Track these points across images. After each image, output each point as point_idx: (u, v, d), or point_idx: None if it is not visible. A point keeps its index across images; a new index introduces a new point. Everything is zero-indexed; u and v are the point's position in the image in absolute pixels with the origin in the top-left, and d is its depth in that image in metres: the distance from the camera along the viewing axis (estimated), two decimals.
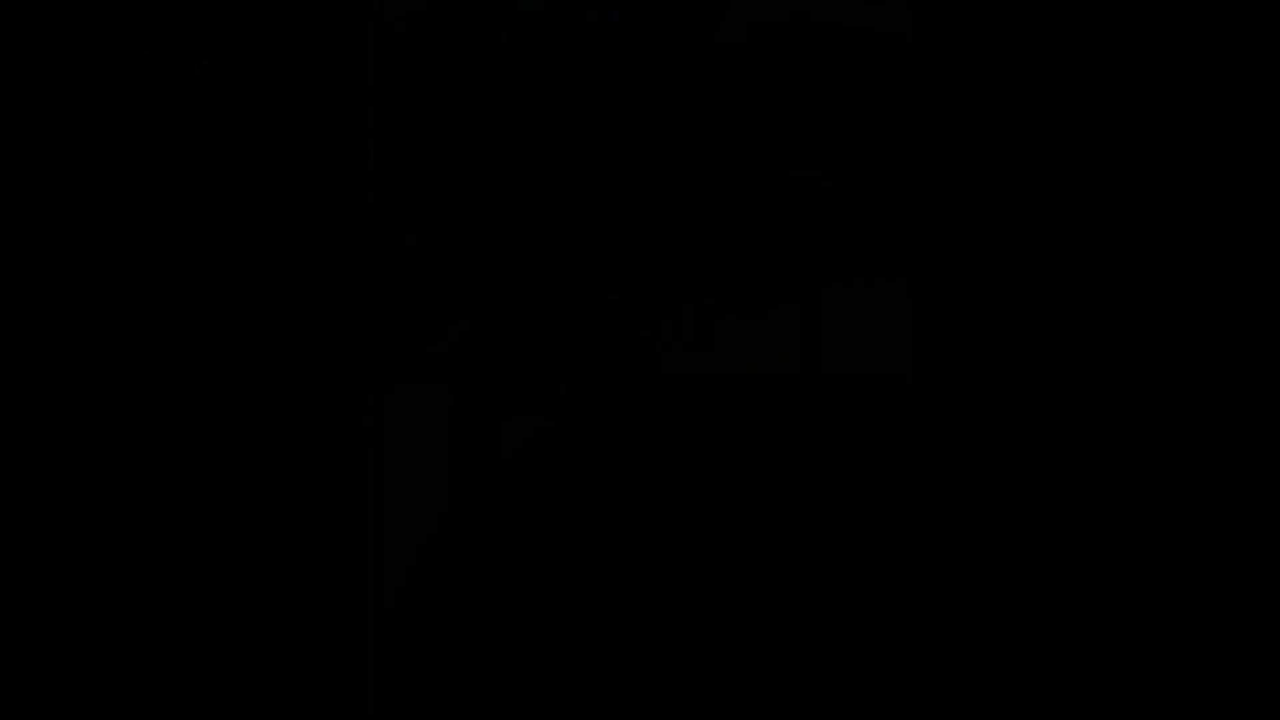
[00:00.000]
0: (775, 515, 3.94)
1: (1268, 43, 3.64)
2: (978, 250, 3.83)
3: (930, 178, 3.89)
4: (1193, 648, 3.60)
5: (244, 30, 3.38)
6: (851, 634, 3.96)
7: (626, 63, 4.09)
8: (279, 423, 3.37)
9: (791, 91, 4.11)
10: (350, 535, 3.53)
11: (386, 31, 3.68)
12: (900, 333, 4.03)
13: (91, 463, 3.25)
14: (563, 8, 4.05)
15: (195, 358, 3.31)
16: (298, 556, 3.42)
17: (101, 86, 3.27)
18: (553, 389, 4.09)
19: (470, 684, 3.98)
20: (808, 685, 3.97)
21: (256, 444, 3.36)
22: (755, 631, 4.02)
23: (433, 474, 3.90)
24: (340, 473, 3.49)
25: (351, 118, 3.49)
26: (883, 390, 4.02)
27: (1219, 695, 3.60)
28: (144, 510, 3.30)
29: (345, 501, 3.52)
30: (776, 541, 4.01)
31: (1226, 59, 3.66)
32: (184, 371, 3.31)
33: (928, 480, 3.89)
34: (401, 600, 3.79)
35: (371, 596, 3.62)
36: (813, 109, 4.11)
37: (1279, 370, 3.59)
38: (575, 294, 4.12)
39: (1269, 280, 3.65)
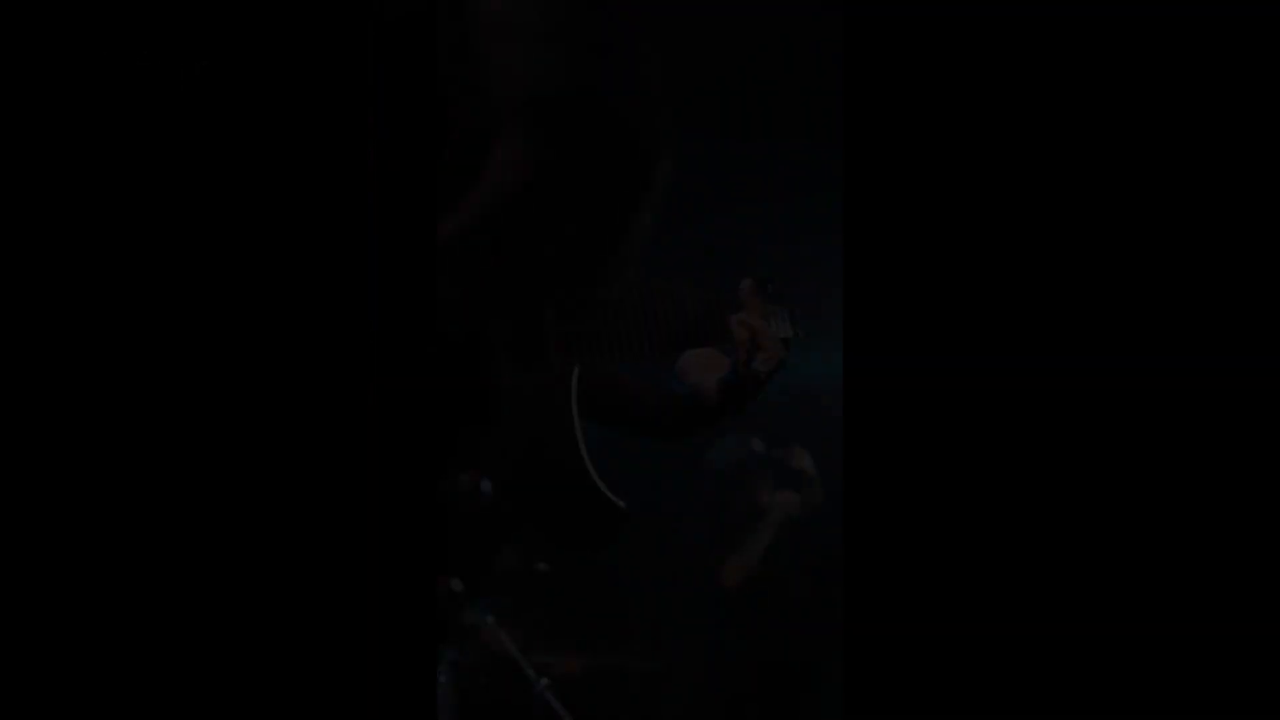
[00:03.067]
0: None
1: (1267, 45, 3.64)
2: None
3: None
4: (1188, 666, 3.56)
5: (244, 30, 3.38)
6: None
7: None
8: (278, 423, 3.37)
9: None
10: (350, 535, 3.53)
11: (387, 32, 3.67)
12: None
13: (89, 462, 3.25)
14: None
15: (193, 358, 3.31)
16: (297, 556, 3.43)
17: (101, 86, 3.27)
18: None
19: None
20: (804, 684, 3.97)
21: (255, 444, 3.36)
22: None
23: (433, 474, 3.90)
24: (340, 473, 3.49)
25: (351, 118, 3.49)
26: None
27: (1215, 713, 3.57)
28: (142, 510, 3.30)
29: (345, 501, 3.53)
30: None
31: (1225, 61, 3.66)
32: (182, 372, 3.31)
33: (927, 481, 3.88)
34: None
35: (371, 596, 3.63)
36: None
37: (1277, 378, 3.58)
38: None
39: (1268, 282, 3.64)
